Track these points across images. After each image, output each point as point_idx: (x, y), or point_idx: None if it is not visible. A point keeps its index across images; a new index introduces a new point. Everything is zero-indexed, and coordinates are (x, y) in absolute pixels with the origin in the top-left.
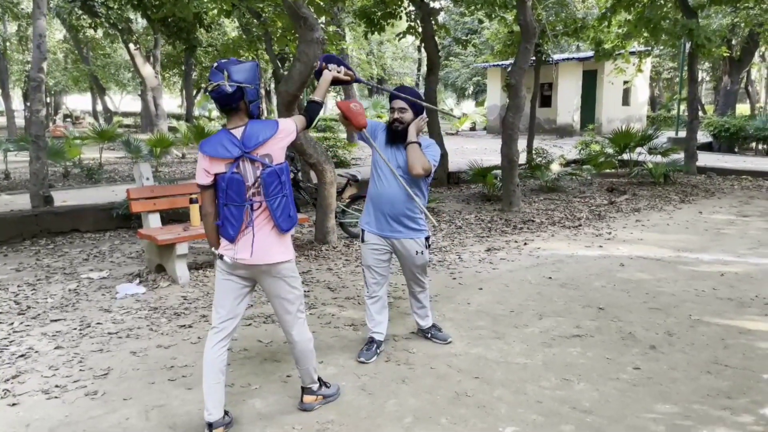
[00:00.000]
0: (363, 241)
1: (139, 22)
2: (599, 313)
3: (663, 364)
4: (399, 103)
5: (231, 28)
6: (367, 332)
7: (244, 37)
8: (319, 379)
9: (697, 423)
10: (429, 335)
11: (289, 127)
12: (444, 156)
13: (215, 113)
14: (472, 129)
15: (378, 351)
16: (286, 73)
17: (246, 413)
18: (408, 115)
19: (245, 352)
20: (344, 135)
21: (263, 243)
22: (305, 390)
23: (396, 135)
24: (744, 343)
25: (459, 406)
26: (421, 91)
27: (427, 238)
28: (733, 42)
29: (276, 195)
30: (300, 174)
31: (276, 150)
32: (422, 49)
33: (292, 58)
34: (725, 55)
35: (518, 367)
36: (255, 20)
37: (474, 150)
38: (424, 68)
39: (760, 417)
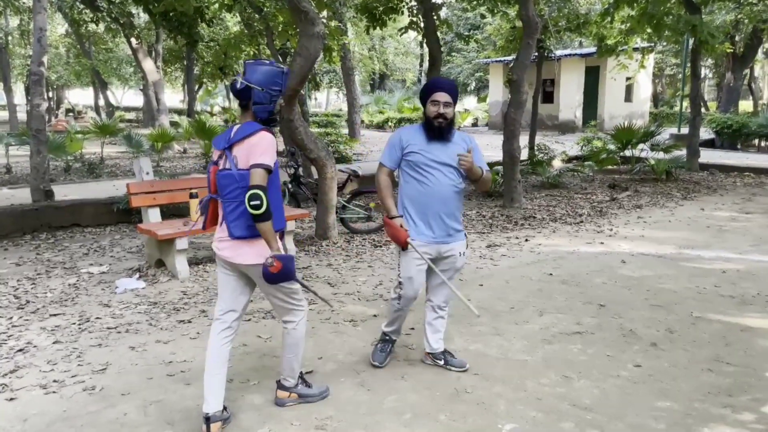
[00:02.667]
0: (405, 249)
1: (141, 17)
2: (600, 309)
3: (664, 361)
4: (444, 96)
5: (233, 22)
6: (383, 327)
7: (245, 31)
8: (301, 376)
9: (697, 421)
10: (443, 361)
11: (260, 146)
12: None
13: (217, 108)
14: (474, 125)
15: (389, 349)
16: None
17: (244, 408)
18: (451, 110)
19: (244, 348)
20: (346, 130)
21: (236, 242)
22: (278, 384)
23: (440, 132)
24: (745, 340)
25: (458, 403)
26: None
27: (467, 240)
28: (737, 38)
29: (232, 200)
30: (301, 169)
31: (242, 156)
32: (424, 45)
33: (292, 53)
34: (728, 51)
35: (518, 364)
36: (256, 15)
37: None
38: (426, 64)
39: (761, 415)
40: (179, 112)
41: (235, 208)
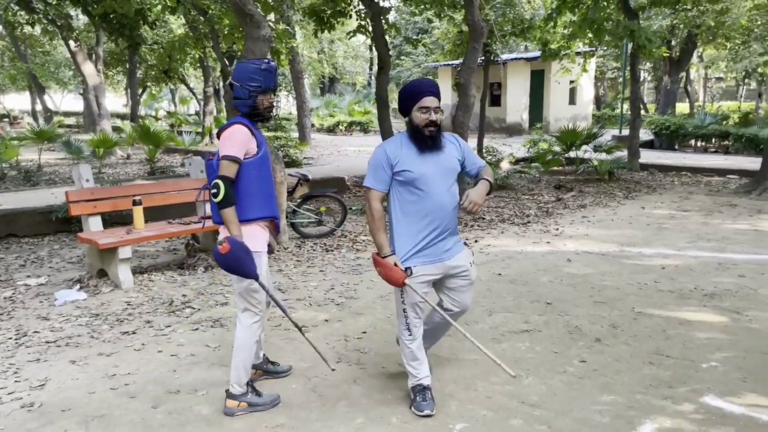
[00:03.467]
0: (410, 275)
1: (80, 19)
2: (547, 307)
3: (608, 356)
4: (434, 101)
5: (177, 25)
6: (411, 381)
7: (190, 34)
8: (250, 385)
9: (639, 413)
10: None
11: (228, 138)
12: None
13: (162, 113)
14: None
15: (430, 397)
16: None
17: (192, 420)
18: (441, 115)
19: (192, 358)
20: (296, 134)
21: (220, 227)
22: (227, 393)
23: (433, 142)
24: (684, 333)
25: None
26: (372, 90)
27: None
28: (673, 43)
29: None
30: None
31: (220, 147)
32: (373, 49)
33: (239, 56)
34: (665, 55)
35: (469, 364)
36: (201, 17)
37: None
38: (376, 67)
39: (699, 405)
40: (122, 116)
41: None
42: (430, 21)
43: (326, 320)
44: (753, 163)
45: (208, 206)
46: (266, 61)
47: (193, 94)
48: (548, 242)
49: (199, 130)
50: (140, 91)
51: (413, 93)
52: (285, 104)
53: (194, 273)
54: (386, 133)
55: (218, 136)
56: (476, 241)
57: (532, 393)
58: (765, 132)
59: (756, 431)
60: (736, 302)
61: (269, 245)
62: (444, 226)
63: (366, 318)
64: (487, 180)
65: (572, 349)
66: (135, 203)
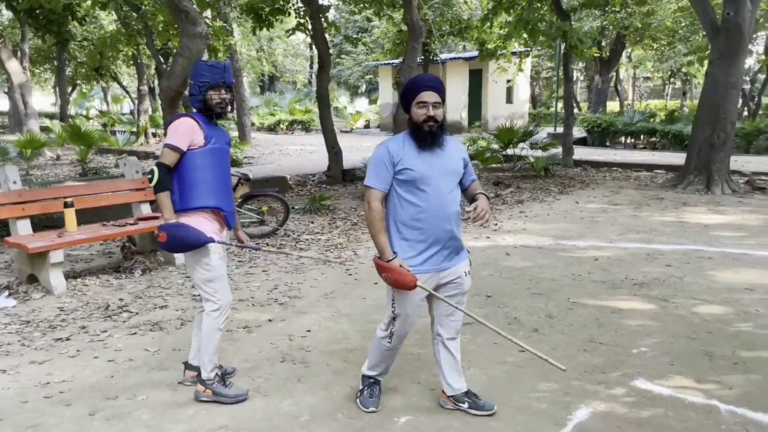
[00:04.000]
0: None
1: (3, 14)
2: (487, 300)
3: (545, 345)
4: (432, 96)
5: (108, 21)
6: (366, 369)
7: (122, 31)
8: (222, 376)
9: (575, 398)
10: (466, 404)
11: (170, 128)
12: (338, 153)
13: (94, 112)
14: (366, 127)
15: (381, 393)
16: (169, 68)
17: (132, 426)
18: (441, 111)
19: (130, 363)
20: (235, 133)
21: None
22: (198, 376)
23: (433, 138)
24: (616, 321)
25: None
26: (313, 89)
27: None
28: (603, 43)
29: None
30: None
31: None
32: (313, 47)
33: (174, 53)
34: (596, 55)
35: (412, 357)
36: (134, 13)
37: (369, 147)
38: (316, 66)
39: (630, 389)
40: (51, 116)
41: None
42: (369, 20)
43: (270, 320)
44: (678, 158)
45: (144, 207)
46: (218, 61)
47: (127, 92)
48: (488, 237)
49: (134, 129)
50: (70, 89)
51: (412, 88)
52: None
53: (131, 276)
54: (328, 132)
55: (167, 126)
56: None
57: (474, 384)
58: (689, 129)
59: (682, 411)
60: (663, 290)
61: (239, 239)
62: (446, 232)
63: (310, 317)
64: (484, 194)
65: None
66: (66, 205)
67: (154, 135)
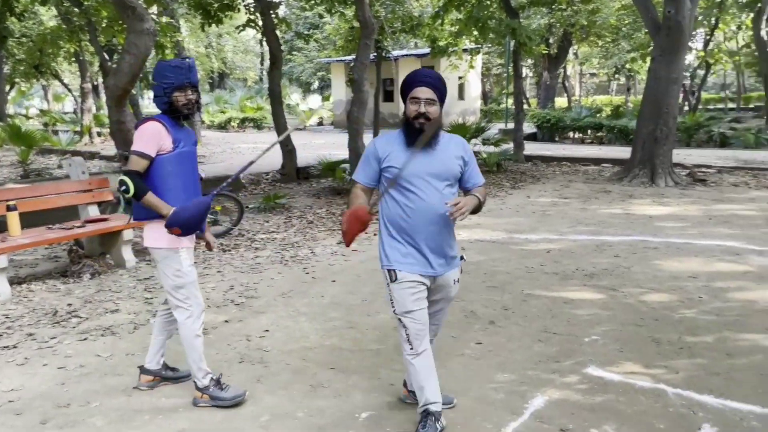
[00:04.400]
0: (394, 280)
1: None
2: None
3: (501, 337)
4: (426, 92)
5: (48, 16)
6: (418, 409)
7: (63, 27)
8: (216, 379)
9: (531, 387)
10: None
11: (137, 134)
12: (292, 151)
13: (34, 111)
14: (320, 124)
15: (440, 428)
16: (115, 65)
17: None
18: (436, 108)
19: (81, 369)
20: None
21: (146, 226)
22: (194, 383)
23: (421, 135)
24: (568, 311)
25: (315, 398)
26: (264, 86)
27: (461, 258)
28: (551, 41)
29: None
30: None
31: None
32: (263, 43)
33: (120, 50)
34: (544, 52)
35: (372, 353)
36: (75, 9)
37: (322, 144)
38: (267, 62)
39: (583, 376)
40: None
41: None
42: (321, 16)
43: (226, 321)
44: (624, 152)
45: (91, 209)
46: (181, 59)
47: (69, 90)
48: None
49: (77, 128)
50: (8, 88)
51: (408, 82)
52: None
53: (79, 281)
54: (281, 129)
55: (135, 129)
56: (375, 234)
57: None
58: (634, 123)
59: (632, 396)
60: (612, 280)
61: (207, 242)
62: (435, 237)
63: (267, 316)
64: (477, 196)
65: (469, 333)
66: (9, 208)
67: (99, 134)
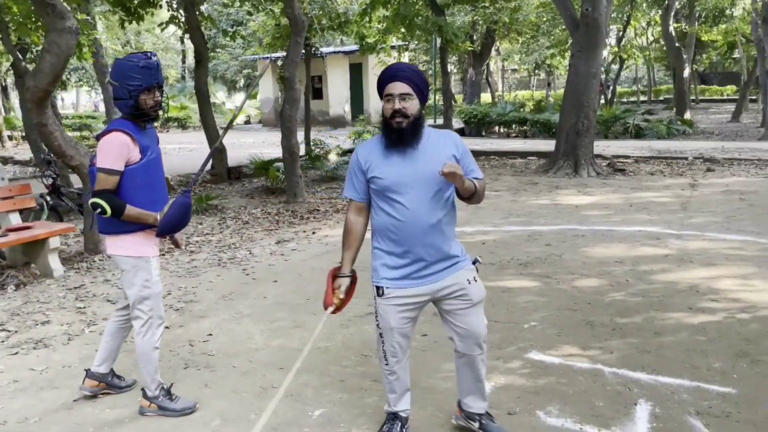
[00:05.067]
0: (381, 295)
1: None
2: None
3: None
4: (399, 86)
5: None
6: (385, 407)
7: None
8: (168, 389)
9: None
10: (477, 425)
11: (101, 149)
12: (222, 151)
13: None
14: (247, 123)
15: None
16: (33, 66)
17: None
18: (414, 103)
19: (16, 384)
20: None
21: (113, 234)
22: (142, 391)
23: (400, 136)
24: (507, 299)
25: (266, 399)
26: (187, 84)
27: (474, 262)
28: (475, 38)
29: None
30: (59, 179)
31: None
32: (185, 40)
33: (35, 49)
34: (470, 49)
35: (320, 351)
36: None
37: (252, 144)
38: (189, 60)
39: (526, 361)
40: None
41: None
42: (250, 14)
43: (167, 327)
44: (548, 145)
45: (12, 217)
46: (146, 56)
47: None
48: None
49: None
50: None
51: (379, 81)
52: (87, 101)
53: (3, 292)
54: (209, 129)
55: (97, 140)
56: (314, 233)
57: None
58: (555, 117)
59: (572, 377)
60: (545, 268)
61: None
62: (425, 244)
63: (210, 320)
64: (472, 180)
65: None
66: None
67: (11, 138)
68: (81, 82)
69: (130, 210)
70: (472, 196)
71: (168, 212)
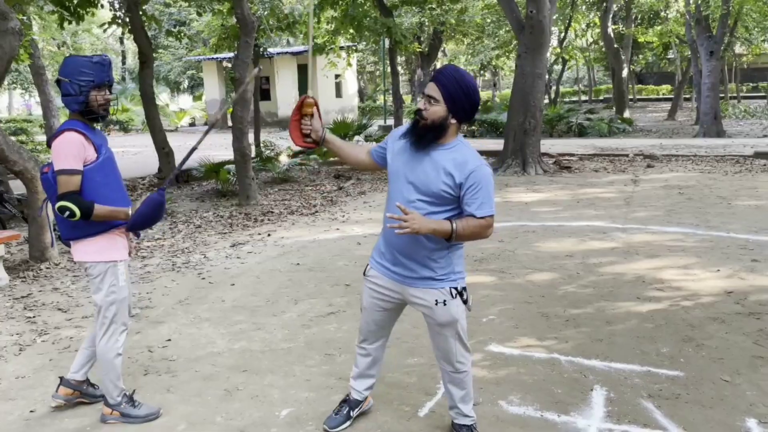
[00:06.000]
0: (365, 273)
1: None
2: (347, 289)
3: (406, 324)
4: (430, 88)
5: None
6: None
7: None
8: (129, 396)
9: (439, 369)
10: None
11: (57, 151)
12: (170, 154)
13: None
14: (192, 125)
15: (352, 414)
16: None
17: None
18: (439, 108)
19: None
20: (43, 137)
21: (79, 240)
22: (104, 399)
23: (413, 132)
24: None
25: (232, 402)
26: (128, 86)
27: (457, 289)
28: (422, 39)
29: (54, 204)
30: (3, 185)
31: (54, 158)
32: (124, 41)
33: None
34: (418, 50)
35: (283, 352)
36: None
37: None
38: (129, 61)
39: (486, 353)
40: None
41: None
42: (200, 14)
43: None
44: (496, 144)
45: None
46: (99, 55)
47: None
48: (337, 229)
49: None
50: None
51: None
52: (21, 104)
53: None
54: (156, 131)
55: (48, 145)
56: (269, 235)
57: (346, 369)
58: (503, 117)
59: (531, 367)
60: (500, 263)
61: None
62: (403, 242)
63: (168, 325)
64: (450, 222)
65: None
66: None
67: None
68: (15, 85)
69: (99, 209)
70: (448, 237)
71: (140, 208)
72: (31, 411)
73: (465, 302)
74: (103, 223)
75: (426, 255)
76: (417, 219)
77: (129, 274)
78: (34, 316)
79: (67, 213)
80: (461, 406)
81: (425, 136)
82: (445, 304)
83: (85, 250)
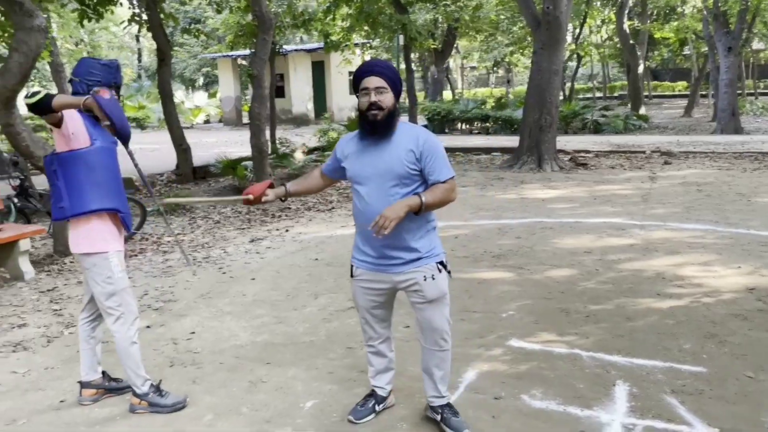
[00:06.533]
0: (351, 275)
1: None
2: None
3: None
4: (374, 81)
5: None
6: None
7: None
8: (157, 386)
9: (462, 363)
10: (439, 417)
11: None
12: (187, 150)
13: None
14: (207, 122)
15: (377, 409)
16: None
17: None
18: (389, 95)
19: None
20: None
21: (71, 230)
22: (132, 390)
23: (374, 127)
24: (483, 290)
25: (257, 393)
26: (145, 84)
27: (442, 263)
28: (436, 35)
29: (53, 183)
30: (27, 180)
31: (57, 139)
32: (140, 39)
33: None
34: (433, 47)
35: (305, 345)
36: None
37: (215, 143)
38: (145, 59)
39: (507, 348)
40: None
41: (54, 191)
42: (219, 11)
43: (148, 327)
44: (511, 140)
45: None
46: (110, 58)
47: None
48: (353, 225)
49: None
50: None
51: (355, 77)
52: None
53: None
54: (174, 128)
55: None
56: (287, 230)
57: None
58: (517, 113)
59: (552, 362)
60: (518, 259)
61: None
62: (383, 238)
63: (191, 319)
64: (418, 195)
65: (395, 317)
66: None
67: None
68: (33, 82)
69: (61, 96)
70: (428, 208)
71: (107, 115)
72: (61, 401)
73: (449, 272)
74: (89, 201)
75: (408, 238)
76: (389, 213)
77: (125, 264)
78: (60, 309)
79: (32, 91)
80: (441, 387)
81: (387, 124)
82: (433, 279)
83: (77, 241)
